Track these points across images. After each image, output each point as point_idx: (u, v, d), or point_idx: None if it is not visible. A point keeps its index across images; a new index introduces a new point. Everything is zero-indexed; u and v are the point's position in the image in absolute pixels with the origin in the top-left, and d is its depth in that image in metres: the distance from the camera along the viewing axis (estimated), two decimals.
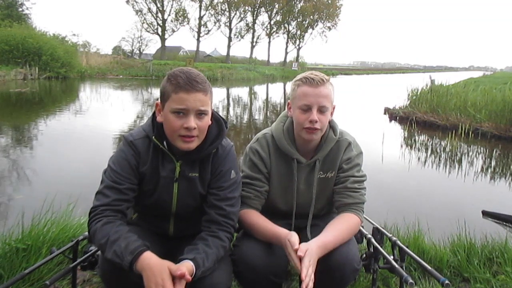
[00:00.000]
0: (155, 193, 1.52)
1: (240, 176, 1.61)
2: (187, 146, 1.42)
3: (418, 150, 8.11)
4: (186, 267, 1.26)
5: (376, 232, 1.97)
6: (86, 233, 1.79)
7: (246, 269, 1.51)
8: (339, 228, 1.57)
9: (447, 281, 1.46)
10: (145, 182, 1.50)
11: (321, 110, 1.59)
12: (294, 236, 1.45)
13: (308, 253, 1.40)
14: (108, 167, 1.47)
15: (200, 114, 1.40)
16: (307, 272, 1.35)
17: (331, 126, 1.72)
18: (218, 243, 1.43)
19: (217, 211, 1.49)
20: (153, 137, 1.47)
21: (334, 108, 1.69)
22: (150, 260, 1.24)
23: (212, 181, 1.53)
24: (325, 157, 1.72)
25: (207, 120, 1.44)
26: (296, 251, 1.39)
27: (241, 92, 23.91)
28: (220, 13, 48.12)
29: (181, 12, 45.14)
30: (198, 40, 47.01)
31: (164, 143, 1.48)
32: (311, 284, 1.34)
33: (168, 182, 1.51)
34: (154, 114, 1.51)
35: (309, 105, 1.58)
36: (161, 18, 44.31)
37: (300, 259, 1.39)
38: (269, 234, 1.53)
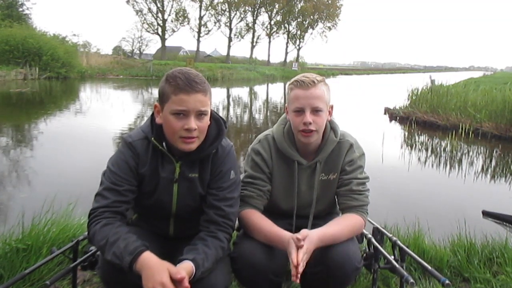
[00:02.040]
0: (155, 194, 1.51)
1: (239, 177, 1.61)
2: (188, 147, 1.42)
3: (418, 150, 8.10)
4: (186, 268, 1.26)
5: (376, 232, 1.97)
6: (86, 233, 1.79)
7: (245, 267, 1.51)
8: (341, 224, 1.59)
9: (447, 281, 1.46)
10: (145, 183, 1.50)
11: (315, 111, 1.60)
12: (301, 234, 1.44)
13: (307, 240, 1.42)
14: (107, 169, 1.46)
15: (200, 114, 1.39)
16: (303, 257, 1.37)
17: (332, 127, 1.72)
18: (217, 244, 1.43)
19: (216, 211, 1.49)
20: (152, 138, 1.47)
21: (332, 108, 1.69)
22: (149, 260, 1.24)
23: (212, 182, 1.53)
24: (327, 159, 1.72)
25: (207, 121, 1.44)
26: (300, 247, 1.39)
27: (241, 92, 23.92)
28: (220, 13, 48.15)
29: (181, 12, 45.14)
30: (198, 40, 47.03)
31: (163, 144, 1.47)
32: (301, 270, 1.36)
33: (168, 183, 1.50)
34: (152, 115, 1.51)
35: (302, 108, 1.59)
36: (161, 18, 44.31)
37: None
38: (272, 235, 1.53)
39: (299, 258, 1.36)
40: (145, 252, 1.26)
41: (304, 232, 1.45)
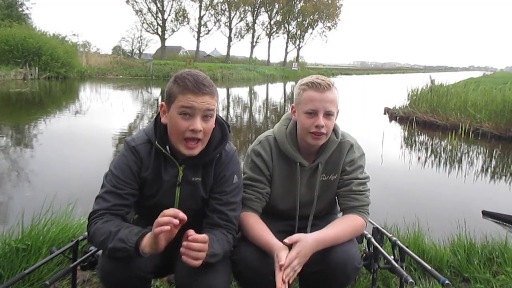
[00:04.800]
0: (156, 197, 1.51)
1: (242, 181, 1.60)
2: (190, 152, 1.41)
3: (418, 150, 8.11)
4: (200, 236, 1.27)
5: (376, 232, 1.98)
6: (86, 233, 1.79)
7: (245, 269, 1.51)
8: (341, 226, 1.58)
9: (447, 281, 1.46)
10: (147, 187, 1.49)
11: (327, 115, 1.59)
12: (282, 252, 1.43)
13: (299, 244, 1.42)
14: (109, 172, 1.46)
15: (206, 116, 1.39)
16: (290, 263, 1.38)
17: (333, 128, 1.72)
18: (224, 238, 1.45)
19: (219, 215, 1.49)
20: (156, 142, 1.46)
21: (338, 113, 1.69)
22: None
23: (215, 186, 1.52)
24: (328, 160, 1.72)
25: (212, 123, 1.43)
26: (281, 267, 1.39)
27: (241, 92, 23.91)
28: (220, 13, 48.16)
29: (181, 12, 45.14)
30: (198, 40, 47.02)
31: (167, 147, 1.46)
32: (292, 276, 1.37)
33: (170, 186, 1.50)
34: (156, 118, 1.50)
35: (316, 110, 1.58)
36: (161, 18, 44.31)
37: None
38: (262, 242, 1.53)
39: (281, 282, 1.35)
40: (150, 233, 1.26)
41: (294, 237, 1.44)
